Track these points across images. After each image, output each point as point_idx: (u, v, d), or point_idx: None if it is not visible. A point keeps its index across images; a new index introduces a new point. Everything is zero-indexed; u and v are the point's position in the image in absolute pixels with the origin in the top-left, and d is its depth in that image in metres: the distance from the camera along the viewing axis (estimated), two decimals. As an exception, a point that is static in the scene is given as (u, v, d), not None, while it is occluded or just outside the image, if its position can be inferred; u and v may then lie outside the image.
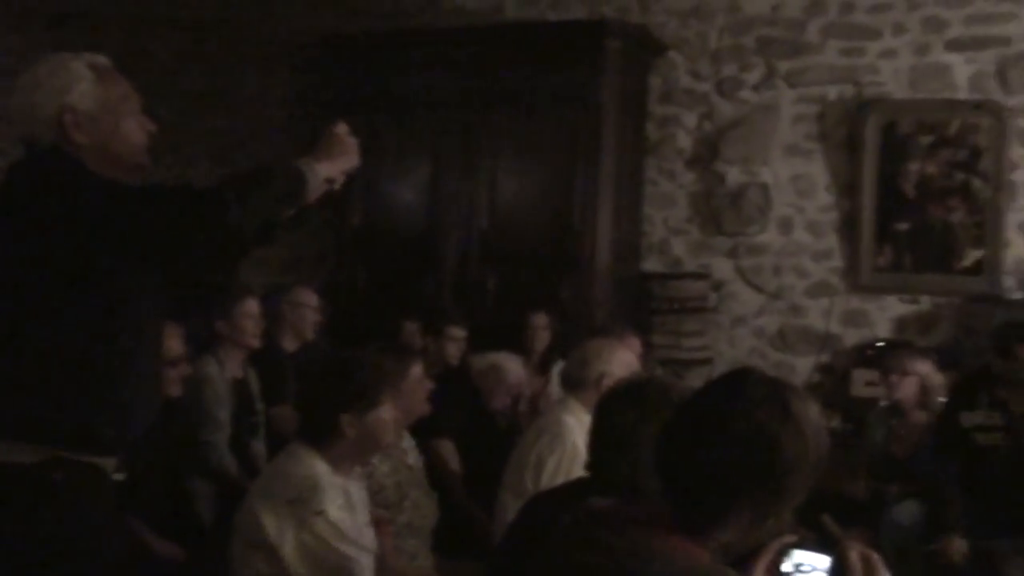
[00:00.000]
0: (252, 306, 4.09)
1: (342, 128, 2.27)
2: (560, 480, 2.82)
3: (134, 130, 2.20)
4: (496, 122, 5.38)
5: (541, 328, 4.84)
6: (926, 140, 5.28)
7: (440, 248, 5.49)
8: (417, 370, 3.15)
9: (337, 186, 2.25)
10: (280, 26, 6.30)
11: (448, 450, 4.12)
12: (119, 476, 2.25)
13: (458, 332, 4.61)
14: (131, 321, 2.11)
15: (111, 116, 2.16)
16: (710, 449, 1.54)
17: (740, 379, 1.60)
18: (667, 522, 1.57)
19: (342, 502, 2.47)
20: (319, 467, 2.49)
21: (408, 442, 3.39)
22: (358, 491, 2.63)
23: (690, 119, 5.72)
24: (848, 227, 5.44)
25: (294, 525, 2.40)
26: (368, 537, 2.58)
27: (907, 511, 4.17)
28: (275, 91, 6.32)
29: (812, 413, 1.58)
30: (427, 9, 6.07)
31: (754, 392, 1.56)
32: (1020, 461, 4.02)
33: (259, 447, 4.05)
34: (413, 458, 3.35)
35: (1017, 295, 5.08)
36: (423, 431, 3.64)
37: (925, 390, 4.46)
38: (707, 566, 1.53)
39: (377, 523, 2.79)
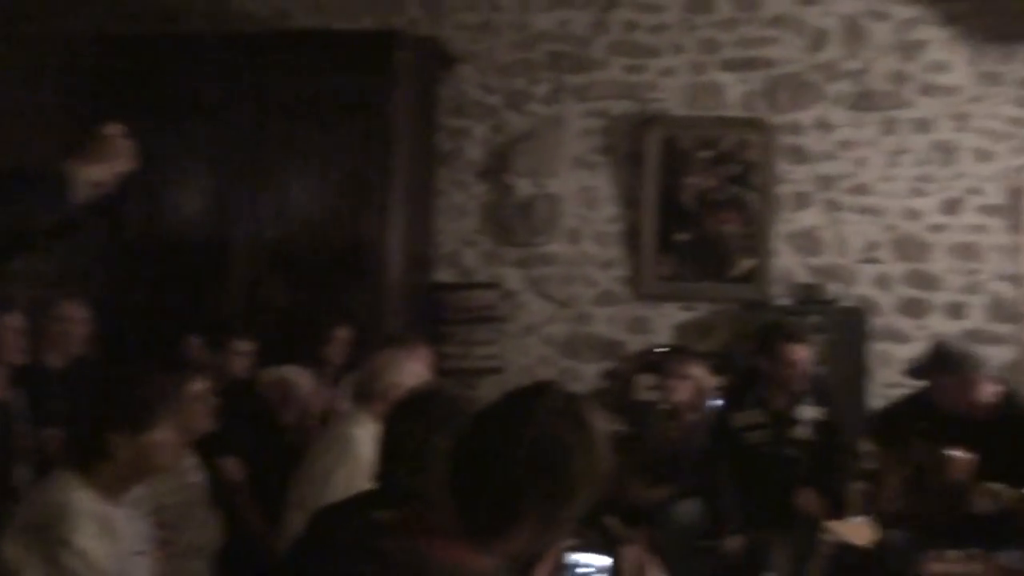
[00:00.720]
0: (15, 320, 3.84)
1: (113, 128, 2.15)
2: (349, 494, 2.78)
3: None
4: (284, 131, 5.27)
5: (343, 341, 4.77)
6: (703, 155, 5.56)
7: (226, 259, 5.32)
8: (196, 386, 3.04)
9: (108, 190, 2.13)
10: (51, 25, 5.93)
11: (234, 467, 3.99)
12: None
13: (244, 345, 4.48)
14: None
15: None
16: (505, 459, 1.55)
17: (537, 391, 1.63)
18: (452, 532, 1.57)
19: (96, 530, 2.33)
20: (75, 493, 2.35)
21: (190, 460, 3.27)
22: (128, 518, 2.48)
23: (480, 131, 5.79)
24: (632, 238, 5.65)
25: (39, 555, 2.26)
26: (135, 568, 2.44)
27: (686, 510, 4.36)
28: (46, 94, 5.93)
29: (602, 426, 1.63)
30: (210, 13, 5.87)
31: (551, 404, 1.59)
32: (780, 455, 4.29)
33: (24, 473, 3.78)
34: (196, 476, 3.23)
35: (783, 301, 5.42)
36: (208, 448, 3.52)
37: (699, 392, 4.69)
38: (487, 574, 1.54)
39: (156, 544, 2.66)
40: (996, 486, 3.60)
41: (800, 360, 4.22)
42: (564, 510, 1.58)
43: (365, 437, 2.97)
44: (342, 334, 4.75)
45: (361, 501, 2.30)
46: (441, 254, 5.81)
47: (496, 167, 5.78)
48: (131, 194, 5.12)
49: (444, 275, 5.80)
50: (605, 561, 1.72)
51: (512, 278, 5.76)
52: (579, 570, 1.70)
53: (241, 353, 4.47)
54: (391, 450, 2.27)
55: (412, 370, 3.15)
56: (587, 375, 5.68)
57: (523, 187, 5.74)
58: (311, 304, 5.12)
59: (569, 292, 5.73)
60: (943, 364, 3.87)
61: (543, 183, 5.73)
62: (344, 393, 4.38)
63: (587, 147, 5.71)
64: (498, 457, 1.56)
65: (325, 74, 5.19)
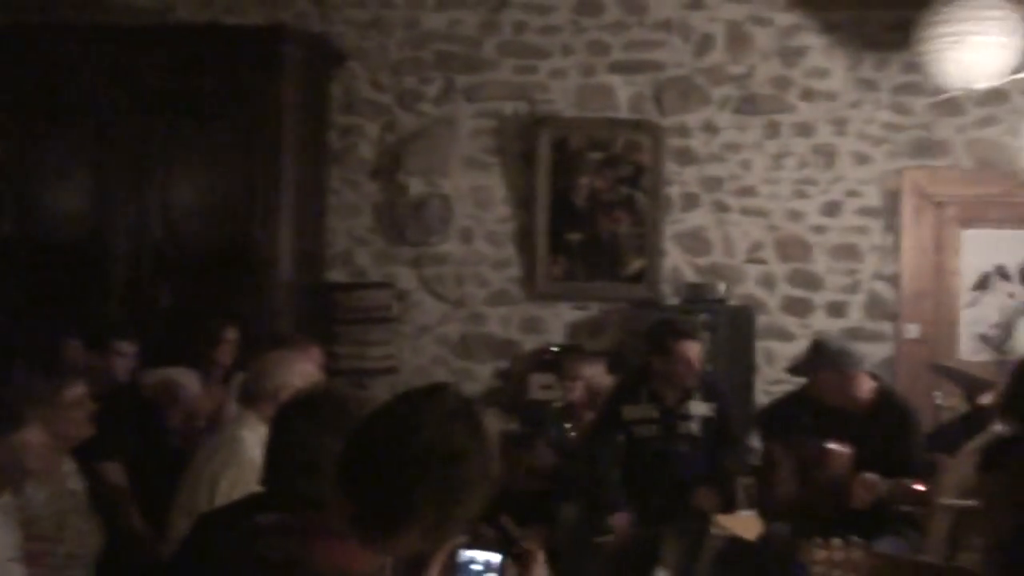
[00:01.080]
0: None
1: None
2: (236, 497, 2.73)
3: None
4: (169, 127, 5.16)
5: (231, 342, 4.68)
6: (595, 156, 5.62)
7: (107, 259, 5.17)
8: (74, 391, 2.94)
9: None
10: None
11: (116, 472, 3.88)
12: None
13: (126, 347, 4.36)
14: None
15: None
16: (398, 460, 1.56)
17: (430, 393, 1.65)
18: (340, 533, 1.56)
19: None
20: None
21: (69, 466, 3.17)
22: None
23: (372, 129, 5.75)
24: (524, 238, 5.68)
25: None
26: (9, 575, 2.35)
27: (580, 507, 4.40)
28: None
29: (494, 429, 1.66)
30: (90, 4, 5.68)
31: (444, 406, 1.61)
32: (670, 451, 4.37)
33: None
34: (74, 483, 3.13)
35: (672, 301, 5.52)
36: (89, 453, 3.41)
37: (594, 391, 4.74)
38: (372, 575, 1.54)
39: (31, 556, 2.56)
40: (872, 478, 3.73)
41: (692, 357, 4.30)
42: (456, 511, 1.60)
43: (253, 439, 2.92)
44: (230, 335, 4.66)
45: (248, 505, 2.25)
46: (333, 253, 5.75)
47: (388, 166, 5.74)
48: (5, 191, 4.94)
49: (336, 275, 5.74)
50: (496, 558, 1.73)
51: (405, 278, 5.73)
52: (472, 567, 1.70)
53: (123, 355, 4.35)
54: (280, 452, 2.22)
55: (301, 370, 3.11)
56: (481, 375, 5.69)
57: (416, 186, 5.72)
58: (198, 304, 5.01)
59: (462, 292, 5.73)
60: (823, 361, 3.99)
61: (435, 183, 5.71)
62: (233, 395, 4.30)
63: (479, 147, 5.72)
64: (391, 458, 1.56)
65: (210, 69, 5.09)
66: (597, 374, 4.87)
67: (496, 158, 5.72)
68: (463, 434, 1.59)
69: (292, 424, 2.21)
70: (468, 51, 5.69)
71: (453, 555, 1.70)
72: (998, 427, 3.07)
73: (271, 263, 5.15)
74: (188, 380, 4.24)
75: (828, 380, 3.96)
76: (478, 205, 5.72)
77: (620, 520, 4.21)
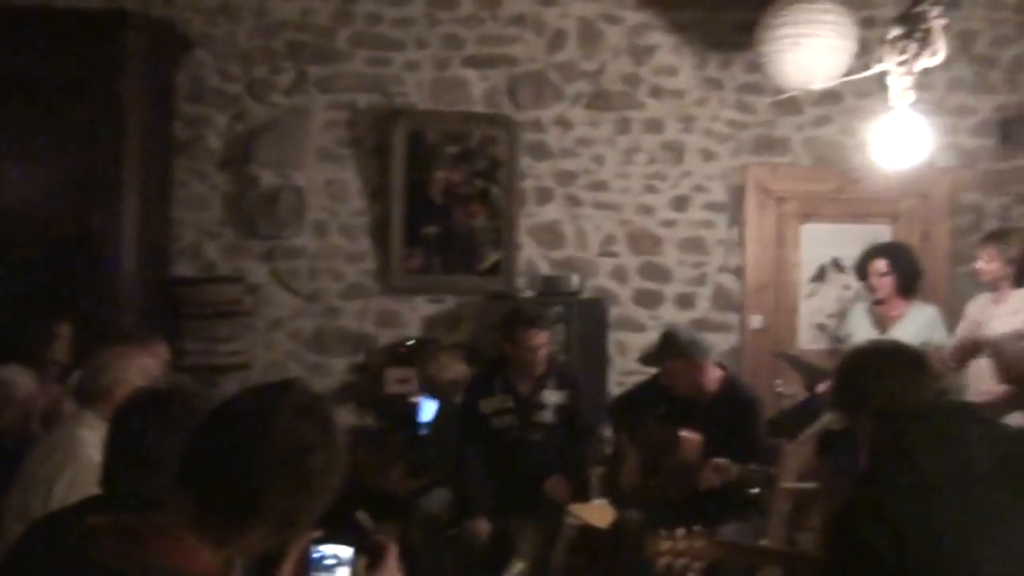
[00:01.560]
0: None
1: None
2: (74, 499, 2.61)
3: None
4: (1, 113, 4.87)
5: (67, 338, 4.47)
6: (451, 150, 5.61)
7: (-67, 252, 4.87)
8: None
9: None
10: None
11: (-58, 479, 3.65)
12: None
13: (-46, 346, 4.11)
14: None
15: None
16: (244, 456, 1.53)
17: (277, 389, 1.63)
18: (180, 532, 1.52)
19: None
20: None
21: None
22: None
23: (221, 120, 5.59)
24: (380, 231, 5.63)
25: None
26: None
27: (437, 499, 4.41)
28: None
29: (341, 425, 1.65)
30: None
31: (295, 402, 1.59)
32: (526, 440, 4.41)
33: None
34: None
35: (527, 293, 5.57)
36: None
37: (451, 383, 4.75)
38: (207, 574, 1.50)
39: None
40: (723, 462, 3.85)
41: (539, 344, 4.37)
42: (304, 507, 1.59)
43: (93, 439, 2.80)
44: (64, 331, 4.46)
45: (86, 507, 2.15)
46: (180, 247, 5.57)
47: (238, 157, 5.59)
48: None
49: (184, 268, 5.56)
50: (347, 551, 1.72)
51: (257, 272, 5.60)
52: (324, 561, 1.69)
53: (-50, 355, 4.10)
54: (119, 451, 2.14)
55: (139, 366, 3.00)
56: (336, 369, 5.61)
57: (267, 178, 5.59)
58: (33, 299, 4.76)
59: (316, 286, 5.64)
60: (673, 351, 4.10)
61: (288, 174, 5.60)
62: (70, 393, 4.11)
63: (333, 139, 5.64)
64: (238, 454, 1.54)
65: (48, 54, 4.84)
66: (452, 366, 4.87)
67: (350, 150, 5.65)
68: (311, 429, 1.58)
69: (132, 422, 2.14)
70: (321, 41, 5.60)
71: (307, 550, 1.69)
72: (832, 414, 3.21)
73: (113, 256, 4.94)
74: (21, 378, 4.03)
75: (677, 369, 4.07)
76: (332, 198, 5.64)
77: (481, 527, 4.24)
